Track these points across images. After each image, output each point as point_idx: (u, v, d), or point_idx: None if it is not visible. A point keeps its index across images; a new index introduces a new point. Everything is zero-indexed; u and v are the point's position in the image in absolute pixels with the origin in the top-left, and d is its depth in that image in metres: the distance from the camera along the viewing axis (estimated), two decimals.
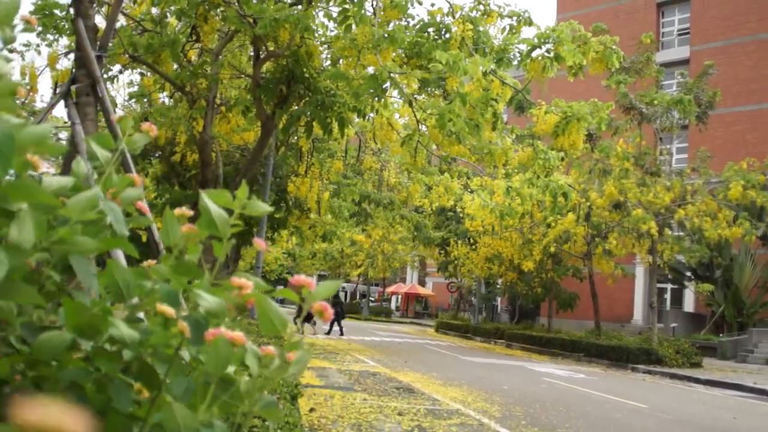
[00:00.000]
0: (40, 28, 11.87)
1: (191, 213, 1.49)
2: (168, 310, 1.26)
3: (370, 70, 11.66)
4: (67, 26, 11.78)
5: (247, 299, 1.31)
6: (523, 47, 11.25)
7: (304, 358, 1.30)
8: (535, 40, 10.99)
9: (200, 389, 1.23)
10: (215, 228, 1.39)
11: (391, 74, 10.51)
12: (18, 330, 1.23)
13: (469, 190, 23.82)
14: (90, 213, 1.30)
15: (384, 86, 10.84)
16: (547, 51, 11.00)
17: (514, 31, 11.59)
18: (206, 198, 1.40)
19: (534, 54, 11.21)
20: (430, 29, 11.36)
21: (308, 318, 32.96)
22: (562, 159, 12.74)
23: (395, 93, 11.88)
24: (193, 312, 1.28)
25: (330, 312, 1.30)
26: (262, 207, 1.47)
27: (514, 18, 11.65)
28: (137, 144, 1.63)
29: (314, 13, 11.35)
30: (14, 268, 1.17)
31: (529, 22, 11.49)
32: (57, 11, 12.10)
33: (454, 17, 11.45)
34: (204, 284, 1.35)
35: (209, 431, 1.14)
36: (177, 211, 1.47)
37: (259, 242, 1.53)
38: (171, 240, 1.42)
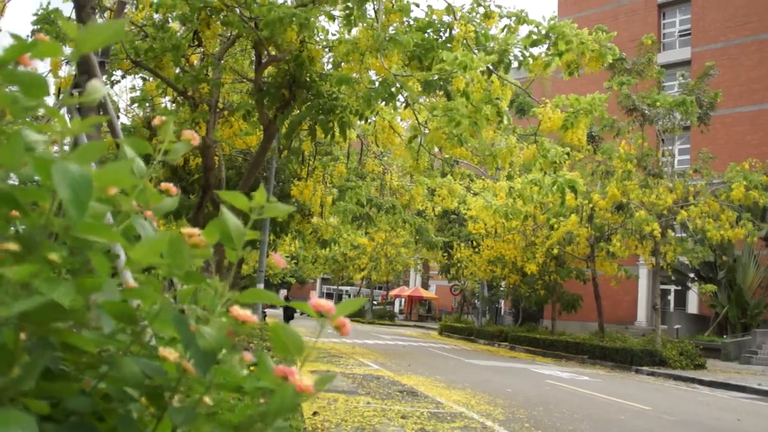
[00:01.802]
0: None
1: (198, 232, 1.45)
2: (170, 354, 1.26)
3: (372, 74, 11.69)
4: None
5: (250, 328, 1.30)
6: (523, 45, 11.28)
7: (322, 384, 1.29)
8: (535, 30, 11.02)
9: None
10: (230, 240, 1.39)
11: (397, 77, 10.54)
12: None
13: (471, 192, 23.82)
14: (157, 256, 1.30)
15: (392, 90, 10.87)
16: (548, 47, 11.04)
17: (512, 30, 11.61)
18: (225, 210, 1.39)
19: (535, 51, 11.26)
20: (429, 30, 11.36)
21: (289, 318, 33.01)
22: (567, 154, 12.72)
23: (399, 96, 11.89)
24: (199, 344, 1.27)
25: (348, 328, 1.31)
26: (282, 208, 1.45)
27: (512, 18, 11.67)
28: (178, 153, 1.58)
29: (318, 10, 11.35)
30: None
31: (528, 22, 11.52)
32: (58, 20, 12.15)
33: (454, 17, 11.46)
34: (210, 308, 1.35)
35: None
36: (186, 231, 1.41)
37: (277, 259, 1.53)
38: (179, 266, 1.38)
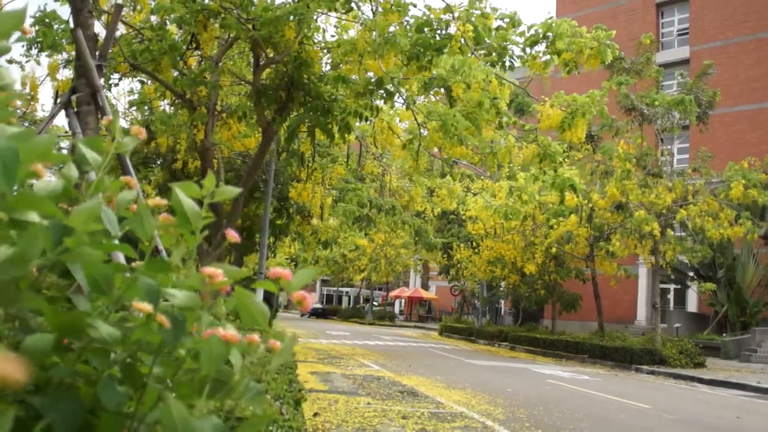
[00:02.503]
0: (40, 39, 11.93)
1: (165, 202, 1.50)
2: (145, 306, 1.28)
3: (371, 74, 11.71)
4: (66, 35, 11.84)
5: (221, 288, 1.33)
6: (522, 42, 11.31)
7: (289, 346, 1.32)
8: (532, 32, 11.06)
9: (195, 385, 1.26)
10: (187, 221, 1.42)
11: (394, 79, 10.57)
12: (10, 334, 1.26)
13: (471, 192, 23.83)
14: (93, 223, 1.33)
15: (390, 89, 10.90)
16: (546, 47, 11.07)
17: (506, 29, 11.64)
18: (179, 190, 1.43)
19: (533, 50, 11.28)
20: (426, 29, 11.39)
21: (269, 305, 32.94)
22: (566, 152, 12.75)
23: (396, 96, 11.92)
24: (170, 308, 1.31)
25: (309, 301, 1.34)
26: (231, 191, 1.50)
27: (506, 20, 11.70)
28: (127, 147, 1.64)
29: (315, 7, 11.37)
30: (20, 278, 1.21)
31: (519, 23, 11.54)
32: (56, 23, 12.17)
33: (453, 17, 11.48)
34: (176, 280, 1.38)
35: (206, 426, 1.17)
36: (152, 201, 1.48)
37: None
38: (146, 232, 1.43)
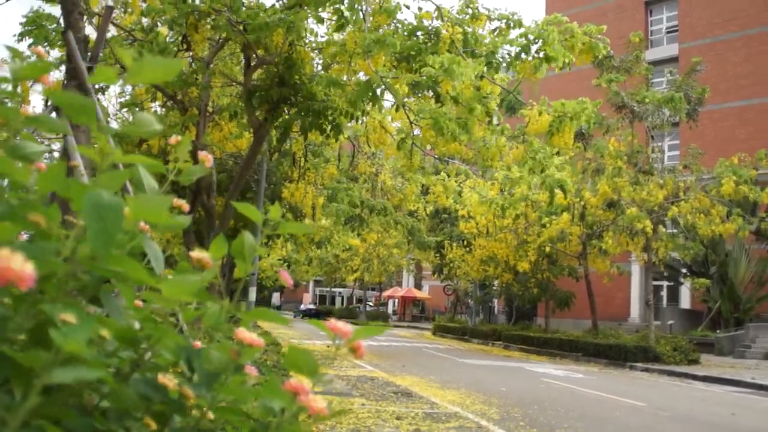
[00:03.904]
0: (31, 41, 11.87)
1: (207, 255, 1.42)
2: (170, 382, 1.24)
3: (362, 75, 11.69)
4: (57, 38, 11.79)
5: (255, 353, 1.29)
6: (512, 49, 11.29)
7: (335, 414, 1.28)
8: (523, 40, 11.03)
9: None
10: (242, 257, 1.37)
11: (383, 79, 10.54)
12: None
13: (465, 189, 23.81)
14: (189, 295, 1.29)
15: (377, 91, 10.86)
16: (537, 51, 11.05)
17: (503, 33, 11.62)
18: (247, 234, 1.37)
19: (523, 56, 11.24)
20: (419, 33, 11.38)
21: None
22: (557, 153, 12.73)
23: (388, 95, 11.90)
24: (204, 367, 1.26)
25: (362, 351, 1.30)
26: (299, 226, 1.43)
27: (503, 21, 11.68)
28: (192, 175, 1.55)
29: (305, 14, 11.34)
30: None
31: (519, 24, 11.52)
32: (47, 23, 12.11)
33: (442, 20, 11.47)
34: (211, 319, 1.33)
35: None
36: (195, 255, 1.38)
37: (285, 276, 1.51)
38: (183, 295, 1.37)
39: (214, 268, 1.38)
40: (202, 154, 1.53)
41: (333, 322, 1.25)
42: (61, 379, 1.03)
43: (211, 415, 1.27)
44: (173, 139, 1.53)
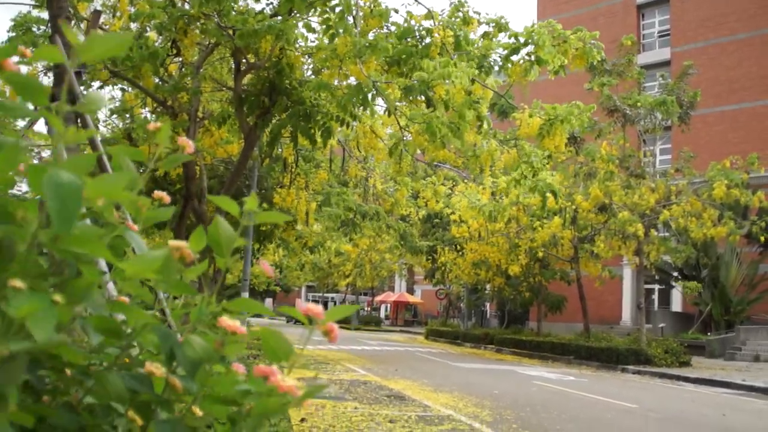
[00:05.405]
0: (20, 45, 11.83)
1: (185, 245, 1.41)
2: (156, 369, 1.25)
3: (353, 79, 11.69)
4: (45, 42, 11.77)
5: (241, 341, 1.29)
6: (503, 51, 11.30)
7: (315, 390, 1.28)
8: (513, 41, 11.05)
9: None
10: (220, 247, 1.37)
11: (375, 83, 10.53)
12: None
13: (455, 193, 23.84)
14: (152, 272, 1.29)
15: (369, 95, 10.86)
16: (528, 54, 11.06)
17: (491, 37, 11.63)
18: (220, 219, 1.38)
19: (514, 58, 11.26)
20: (409, 37, 11.38)
21: None
22: (549, 157, 12.76)
23: (379, 100, 11.90)
24: (186, 354, 1.26)
25: (336, 334, 1.30)
26: (277, 214, 1.44)
27: (492, 24, 11.70)
28: (173, 163, 1.59)
29: (294, 23, 11.35)
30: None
31: (506, 28, 11.54)
32: (35, 27, 12.08)
33: (434, 22, 11.48)
34: (198, 314, 1.33)
35: None
36: (173, 243, 1.33)
37: (265, 267, 1.51)
38: (169, 278, 1.35)
39: (202, 266, 1.39)
40: (182, 140, 1.53)
41: (303, 303, 1.26)
42: (17, 349, 1.04)
43: (198, 411, 1.27)
44: (152, 125, 1.53)
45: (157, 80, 12.96)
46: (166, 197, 1.54)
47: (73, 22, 10.89)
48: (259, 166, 19.11)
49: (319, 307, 1.26)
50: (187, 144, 1.55)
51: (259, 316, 45.31)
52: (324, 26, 11.04)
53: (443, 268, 38.48)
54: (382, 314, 70.84)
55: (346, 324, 57.74)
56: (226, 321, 1.26)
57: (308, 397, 1.23)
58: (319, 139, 12.11)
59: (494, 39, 11.57)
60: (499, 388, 16.54)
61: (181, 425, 1.24)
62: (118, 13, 12.55)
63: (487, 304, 49.95)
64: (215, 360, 1.28)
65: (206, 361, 1.26)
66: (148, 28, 12.34)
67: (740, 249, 32.56)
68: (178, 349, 1.25)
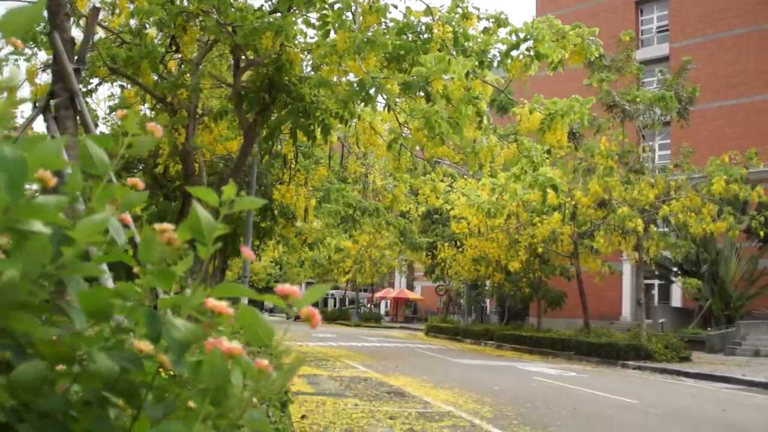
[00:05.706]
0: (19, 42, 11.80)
1: (172, 227, 1.43)
2: (145, 346, 1.25)
3: (352, 76, 11.67)
4: (44, 39, 11.74)
5: (225, 320, 1.29)
6: (503, 47, 11.28)
7: (296, 366, 1.28)
8: (513, 37, 11.03)
9: (197, 400, 1.22)
10: (201, 234, 1.37)
11: (375, 79, 10.52)
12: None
13: (454, 190, 23.81)
14: (98, 235, 1.29)
15: (370, 91, 10.85)
16: (527, 49, 11.04)
17: (491, 32, 11.61)
18: (197, 205, 1.39)
19: (514, 53, 11.24)
20: (408, 32, 11.36)
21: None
22: (548, 152, 12.74)
23: (379, 96, 11.87)
24: (173, 336, 1.26)
25: (317, 318, 1.29)
26: (251, 202, 1.44)
27: (491, 20, 11.67)
28: (142, 147, 1.57)
29: (293, 20, 11.32)
30: (17, 295, 1.17)
31: (506, 24, 11.52)
32: (34, 23, 12.04)
33: (433, 18, 11.46)
34: (186, 302, 1.33)
35: None
36: (158, 226, 1.39)
37: (246, 252, 1.52)
38: (150, 258, 1.38)
39: (188, 260, 1.39)
40: (150, 125, 1.55)
41: (281, 285, 1.26)
42: None
43: (191, 404, 1.27)
44: (120, 112, 1.54)
45: (156, 77, 12.93)
46: (140, 183, 1.56)
47: (72, 19, 10.86)
48: (258, 162, 19.09)
49: (295, 287, 1.26)
50: (156, 128, 1.56)
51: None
52: (321, 21, 11.02)
53: (443, 264, 38.48)
54: (382, 311, 70.92)
55: (346, 321, 57.80)
56: (213, 302, 1.27)
57: (294, 371, 1.24)
58: (318, 136, 12.08)
59: (494, 35, 11.55)
60: (499, 384, 16.55)
61: (172, 406, 1.24)
62: (117, 10, 12.52)
63: (487, 300, 49.98)
64: (203, 340, 1.28)
65: (194, 342, 1.26)
66: (147, 25, 12.32)
67: (740, 244, 32.60)
68: (165, 331, 1.26)
